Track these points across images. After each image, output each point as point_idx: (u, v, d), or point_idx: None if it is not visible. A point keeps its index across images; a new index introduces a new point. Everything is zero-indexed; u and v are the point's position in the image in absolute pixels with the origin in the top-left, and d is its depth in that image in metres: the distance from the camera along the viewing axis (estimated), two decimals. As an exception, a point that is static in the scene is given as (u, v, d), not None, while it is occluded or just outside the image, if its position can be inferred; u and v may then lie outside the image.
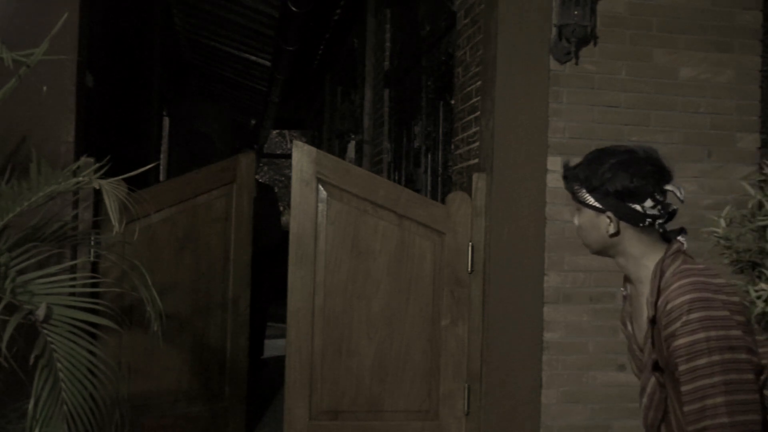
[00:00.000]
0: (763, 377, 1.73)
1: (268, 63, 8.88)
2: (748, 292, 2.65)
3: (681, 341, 1.62)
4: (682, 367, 1.62)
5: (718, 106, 3.43)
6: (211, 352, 3.70)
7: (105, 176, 2.37)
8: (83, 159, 2.89)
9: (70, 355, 2.13)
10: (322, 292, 3.24)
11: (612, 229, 1.79)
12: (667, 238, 1.84)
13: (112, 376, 2.20)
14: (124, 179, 2.42)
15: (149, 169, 2.68)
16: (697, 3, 3.42)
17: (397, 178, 5.89)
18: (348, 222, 3.26)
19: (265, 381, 5.40)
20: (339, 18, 7.68)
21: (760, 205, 2.79)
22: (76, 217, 3.05)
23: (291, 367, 3.22)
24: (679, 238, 1.83)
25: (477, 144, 3.51)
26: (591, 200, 1.80)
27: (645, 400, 1.82)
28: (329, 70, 9.93)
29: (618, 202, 1.78)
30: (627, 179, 1.77)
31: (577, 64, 3.32)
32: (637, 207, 1.78)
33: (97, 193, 2.43)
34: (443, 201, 3.44)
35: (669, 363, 1.68)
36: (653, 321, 1.73)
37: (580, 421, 3.29)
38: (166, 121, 10.61)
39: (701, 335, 1.60)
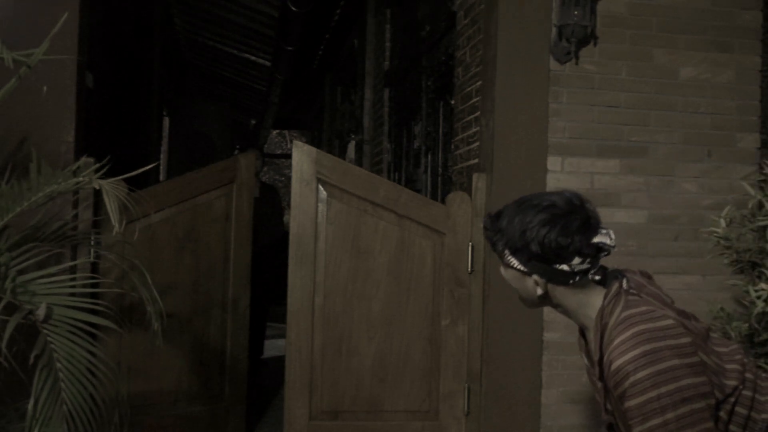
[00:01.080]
0: (735, 392, 1.68)
1: (268, 63, 8.88)
2: (748, 292, 2.66)
3: (632, 402, 1.54)
4: (636, 429, 1.54)
5: (718, 106, 3.43)
6: (211, 352, 3.70)
7: (105, 176, 2.37)
8: (83, 159, 2.89)
9: (70, 355, 2.13)
10: (322, 292, 3.24)
11: (540, 291, 1.71)
12: (603, 282, 1.74)
13: (112, 376, 2.20)
14: (124, 179, 2.42)
15: (149, 169, 2.68)
16: (697, 3, 3.42)
17: (397, 178, 5.89)
18: (348, 222, 3.27)
19: (265, 381, 5.40)
20: (339, 18, 7.68)
21: (760, 205, 2.79)
22: (76, 217, 3.05)
23: (291, 367, 3.22)
24: (620, 285, 1.71)
25: (477, 144, 3.51)
26: (515, 263, 1.71)
27: (598, 397, 1.77)
28: (329, 70, 9.93)
29: (543, 265, 1.67)
30: (552, 241, 1.63)
31: (577, 64, 3.32)
32: (564, 267, 1.66)
33: (97, 193, 2.43)
34: (443, 201, 3.44)
35: (624, 422, 1.61)
36: (601, 375, 1.67)
37: (580, 421, 3.29)
38: (166, 121, 10.61)
39: (652, 394, 1.52)
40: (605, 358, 1.62)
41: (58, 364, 2.10)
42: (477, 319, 3.30)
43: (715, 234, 2.89)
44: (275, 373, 5.26)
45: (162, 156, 10.31)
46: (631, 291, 1.70)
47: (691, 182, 3.41)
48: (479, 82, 3.51)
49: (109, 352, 2.37)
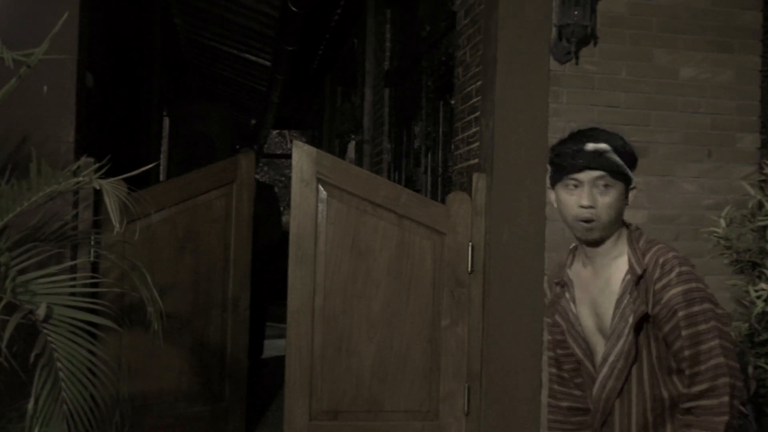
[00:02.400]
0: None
1: (268, 63, 8.88)
2: (748, 292, 2.66)
3: (678, 289, 1.73)
4: (681, 313, 1.71)
5: (718, 106, 3.43)
6: (211, 352, 3.70)
7: (105, 176, 2.37)
8: (83, 159, 2.89)
9: (70, 355, 2.13)
10: (322, 292, 3.24)
11: (632, 197, 1.90)
12: None
13: (112, 376, 2.21)
14: (124, 179, 2.42)
15: (149, 169, 2.67)
16: (697, 3, 3.42)
17: (397, 178, 5.88)
18: (348, 222, 3.26)
19: (265, 381, 5.40)
20: (339, 18, 7.67)
21: (760, 205, 2.79)
22: (76, 217, 3.05)
23: (291, 367, 3.22)
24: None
25: (477, 144, 3.51)
26: (629, 172, 1.87)
27: (605, 370, 1.85)
28: (329, 70, 9.93)
29: (631, 173, 1.88)
30: (630, 149, 1.87)
31: (577, 64, 3.32)
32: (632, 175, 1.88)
33: (97, 193, 2.43)
34: (443, 201, 3.44)
35: (659, 315, 1.76)
36: (640, 277, 1.79)
37: (580, 421, 3.29)
38: (166, 121, 10.61)
39: (694, 285, 1.73)
40: (648, 256, 1.79)
41: (58, 364, 2.10)
42: (477, 319, 3.30)
43: (715, 234, 2.89)
44: (275, 373, 5.26)
45: (162, 156, 10.31)
46: None
47: (691, 182, 3.41)
48: (479, 82, 3.51)
49: (109, 352, 2.36)
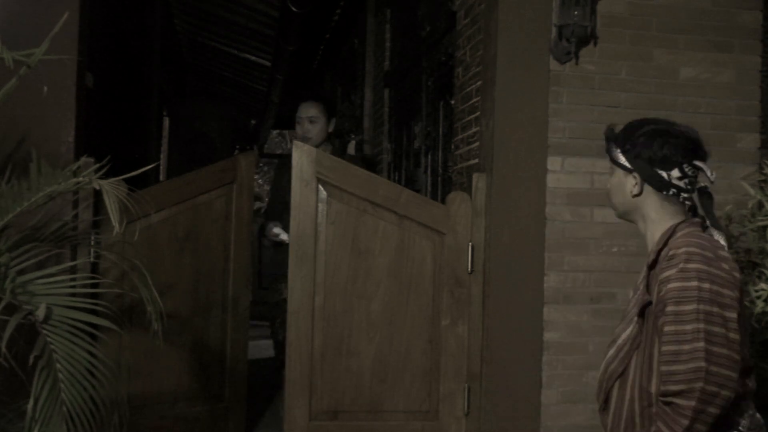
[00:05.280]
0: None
1: (268, 63, 8.88)
2: (748, 292, 2.66)
3: (674, 285, 1.70)
4: (669, 309, 1.69)
5: (718, 106, 3.43)
6: (211, 352, 3.70)
7: (105, 176, 2.37)
8: (83, 159, 2.90)
9: (70, 355, 2.13)
10: (322, 292, 3.24)
11: (635, 190, 1.89)
12: (694, 214, 1.92)
13: (112, 377, 2.20)
14: (124, 179, 2.42)
15: (149, 169, 2.67)
16: (697, 3, 3.42)
17: (397, 178, 5.88)
18: (348, 222, 3.26)
19: (266, 381, 5.40)
20: (339, 18, 7.67)
21: (760, 205, 2.79)
22: (76, 217, 3.04)
23: (291, 367, 3.22)
24: (703, 220, 1.89)
25: (477, 144, 3.51)
26: (622, 159, 1.90)
27: (612, 351, 1.91)
28: (329, 70, 9.93)
29: (645, 166, 1.86)
30: (658, 146, 1.85)
31: (577, 64, 3.32)
32: (663, 174, 1.85)
33: (97, 193, 2.43)
34: (443, 201, 3.44)
35: (657, 307, 1.75)
36: (652, 266, 1.81)
37: (580, 421, 3.29)
38: (166, 121, 10.61)
39: (694, 283, 1.68)
40: (665, 249, 1.79)
41: (58, 365, 2.10)
42: (477, 319, 3.30)
43: (715, 234, 2.88)
44: (275, 373, 5.25)
45: (162, 156, 10.31)
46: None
47: (691, 182, 3.40)
48: (479, 82, 3.51)
49: (109, 352, 2.36)
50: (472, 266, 3.31)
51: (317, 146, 3.77)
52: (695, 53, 3.41)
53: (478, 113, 3.51)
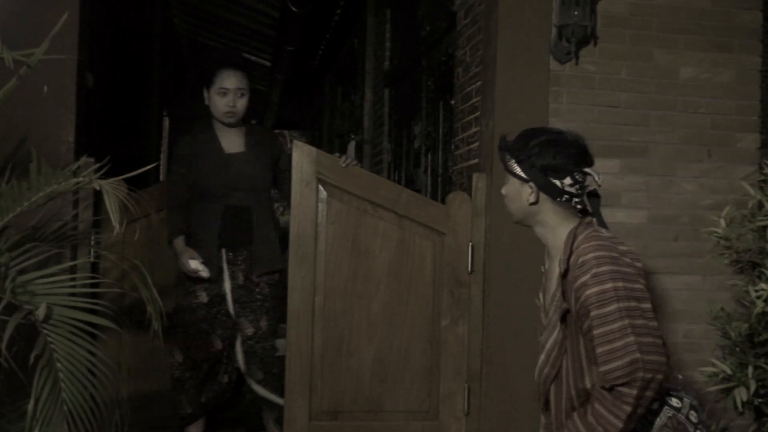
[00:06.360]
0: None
1: (268, 63, 8.88)
2: (748, 292, 2.66)
3: (592, 290, 1.82)
4: (593, 313, 1.81)
5: (718, 106, 3.43)
6: (211, 352, 3.69)
7: (105, 176, 2.37)
8: (83, 159, 2.90)
9: (70, 355, 2.13)
10: (322, 292, 3.24)
11: (532, 199, 2.00)
12: (583, 213, 2.04)
13: (112, 376, 2.20)
14: (124, 179, 2.42)
15: (149, 169, 2.67)
16: (697, 3, 3.42)
17: (397, 178, 5.88)
18: (348, 222, 3.26)
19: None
20: (339, 18, 7.68)
21: (760, 205, 2.79)
22: (76, 217, 3.05)
23: (291, 367, 3.22)
24: (593, 219, 2.02)
25: (477, 144, 3.51)
26: (518, 170, 2.01)
27: (542, 357, 2.05)
28: (329, 70, 9.93)
29: (540, 175, 1.98)
30: (551, 156, 1.96)
31: (577, 64, 3.32)
32: (557, 182, 1.97)
33: (97, 193, 2.42)
34: (443, 201, 3.44)
35: (579, 312, 1.87)
36: (564, 275, 1.93)
37: (580, 421, 3.29)
38: (166, 121, 10.61)
39: (609, 285, 1.81)
40: (572, 256, 1.91)
41: (58, 364, 2.10)
42: (477, 319, 3.30)
43: (715, 234, 2.89)
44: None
45: (162, 156, 10.31)
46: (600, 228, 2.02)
47: (691, 182, 3.41)
48: (479, 82, 3.51)
49: (109, 352, 2.37)
50: (472, 266, 3.31)
51: (238, 125, 3.51)
52: (695, 53, 3.42)
53: (478, 113, 3.51)
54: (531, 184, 1.99)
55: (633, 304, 1.80)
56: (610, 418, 1.78)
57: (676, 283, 3.36)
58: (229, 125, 3.51)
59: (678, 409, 1.91)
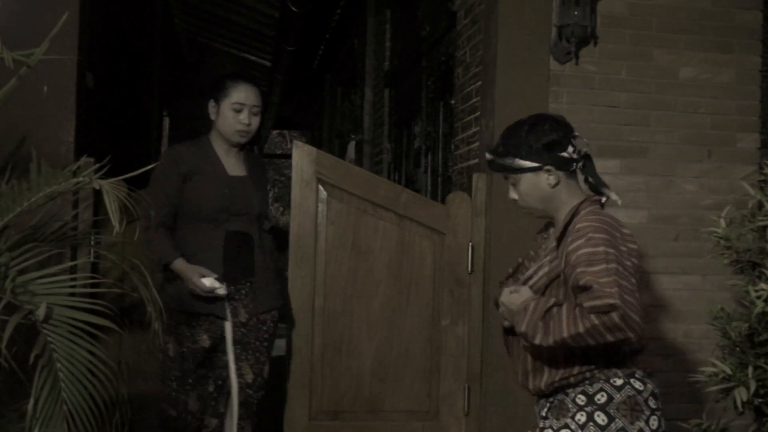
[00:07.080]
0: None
1: (268, 63, 8.89)
2: (748, 292, 2.65)
3: (583, 251, 1.86)
4: (579, 269, 1.84)
5: (718, 106, 3.43)
6: (211, 352, 3.68)
7: (105, 176, 2.37)
8: (83, 159, 2.89)
9: (70, 355, 2.13)
10: (322, 292, 3.24)
11: (553, 180, 2.01)
12: (594, 189, 2.09)
13: (112, 376, 2.20)
14: (124, 179, 2.42)
15: (149, 169, 2.67)
16: (697, 3, 3.42)
17: (397, 178, 5.89)
18: (348, 222, 3.27)
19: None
20: (339, 18, 7.68)
21: (760, 205, 2.79)
22: (76, 217, 3.04)
23: (291, 367, 3.22)
24: (601, 196, 2.06)
25: (477, 144, 3.51)
26: (526, 163, 2.00)
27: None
28: (329, 70, 9.93)
29: (550, 154, 1.99)
30: (545, 134, 1.99)
31: (577, 64, 3.32)
32: (565, 154, 2.00)
33: (97, 193, 2.42)
34: (443, 201, 3.44)
35: (567, 273, 1.91)
36: (560, 240, 1.98)
37: (580, 421, 3.29)
38: (166, 121, 10.61)
39: (601, 248, 1.85)
40: (571, 224, 1.95)
41: (58, 364, 2.10)
42: (477, 319, 3.30)
43: (715, 234, 2.88)
44: (275, 373, 5.25)
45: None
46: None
47: (691, 182, 3.41)
48: (479, 82, 3.51)
49: (109, 352, 2.36)
50: (472, 266, 3.31)
51: (246, 147, 3.12)
52: (695, 53, 3.42)
53: (478, 113, 3.52)
54: (548, 166, 2.00)
55: (621, 267, 1.83)
56: (561, 325, 1.82)
57: (676, 283, 3.36)
58: (236, 145, 3.05)
59: (639, 392, 1.94)
